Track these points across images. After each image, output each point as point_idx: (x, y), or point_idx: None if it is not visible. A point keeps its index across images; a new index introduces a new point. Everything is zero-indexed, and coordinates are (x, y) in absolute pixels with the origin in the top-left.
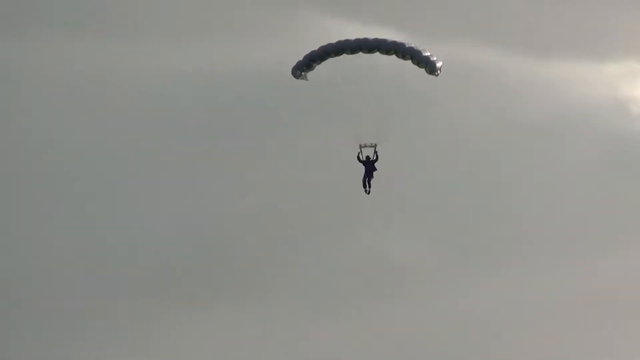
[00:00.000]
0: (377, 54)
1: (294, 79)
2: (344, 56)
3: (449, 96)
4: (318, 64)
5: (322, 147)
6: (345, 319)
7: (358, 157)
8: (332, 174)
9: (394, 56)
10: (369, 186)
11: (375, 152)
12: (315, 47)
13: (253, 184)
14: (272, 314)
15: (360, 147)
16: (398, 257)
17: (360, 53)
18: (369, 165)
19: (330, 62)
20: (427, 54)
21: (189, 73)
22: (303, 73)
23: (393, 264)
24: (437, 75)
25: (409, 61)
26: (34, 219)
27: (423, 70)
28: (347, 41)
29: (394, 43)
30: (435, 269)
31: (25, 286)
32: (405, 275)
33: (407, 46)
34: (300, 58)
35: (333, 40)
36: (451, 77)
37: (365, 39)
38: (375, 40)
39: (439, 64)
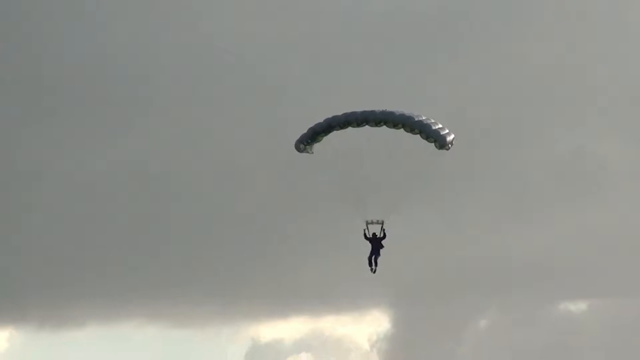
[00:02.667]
0: (385, 127)
1: None
2: (350, 129)
3: None
4: (323, 137)
5: None
6: (544, 217)
7: (364, 235)
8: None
9: (402, 130)
10: (376, 264)
11: (383, 229)
12: (321, 119)
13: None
14: (468, 211)
15: (367, 223)
16: (598, 154)
17: (367, 126)
18: (376, 243)
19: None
20: (437, 127)
21: None
22: (307, 147)
23: (593, 162)
24: (448, 150)
25: (418, 135)
26: None
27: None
28: (353, 114)
29: (402, 116)
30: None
31: None
32: (605, 174)
33: (415, 120)
34: (305, 131)
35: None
36: None
37: (372, 112)
38: (382, 113)
39: (449, 138)
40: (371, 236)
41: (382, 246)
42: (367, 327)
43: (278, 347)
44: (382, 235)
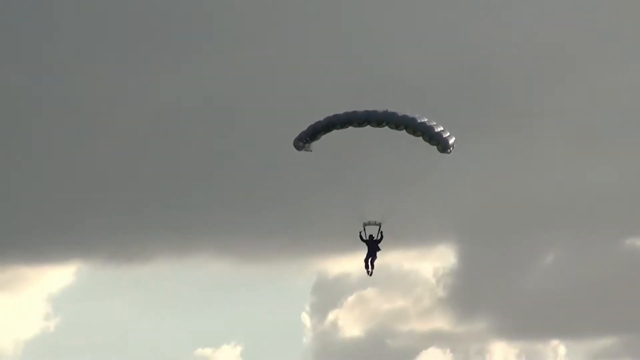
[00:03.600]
0: (386, 128)
1: None
2: (350, 128)
3: None
4: (322, 135)
5: None
6: (611, 151)
7: (360, 236)
8: None
9: (403, 131)
10: (372, 267)
11: (380, 231)
12: (321, 118)
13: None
14: (538, 145)
15: (364, 225)
16: None
17: (368, 126)
18: (373, 245)
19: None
20: (439, 129)
21: None
22: (306, 145)
23: None
24: (449, 153)
25: (420, 137)
26: None
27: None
28: (354, 113)
29: (404, 117)
30: None
31: None
32: None
33: (418, 121)
34: (305, 128)
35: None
36: None
37: (375, 112)
38: (385, 113)
39: (451, 141)
40: (367, 238)
41: (378, 249)
42: (433, 262)
43: (344, 282)
44: (379, 237)
